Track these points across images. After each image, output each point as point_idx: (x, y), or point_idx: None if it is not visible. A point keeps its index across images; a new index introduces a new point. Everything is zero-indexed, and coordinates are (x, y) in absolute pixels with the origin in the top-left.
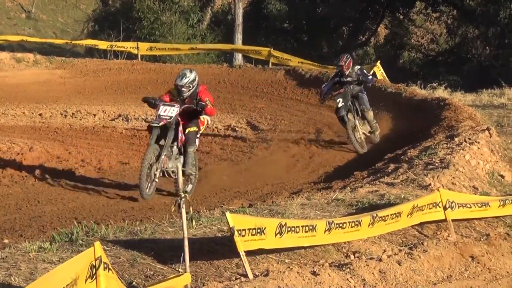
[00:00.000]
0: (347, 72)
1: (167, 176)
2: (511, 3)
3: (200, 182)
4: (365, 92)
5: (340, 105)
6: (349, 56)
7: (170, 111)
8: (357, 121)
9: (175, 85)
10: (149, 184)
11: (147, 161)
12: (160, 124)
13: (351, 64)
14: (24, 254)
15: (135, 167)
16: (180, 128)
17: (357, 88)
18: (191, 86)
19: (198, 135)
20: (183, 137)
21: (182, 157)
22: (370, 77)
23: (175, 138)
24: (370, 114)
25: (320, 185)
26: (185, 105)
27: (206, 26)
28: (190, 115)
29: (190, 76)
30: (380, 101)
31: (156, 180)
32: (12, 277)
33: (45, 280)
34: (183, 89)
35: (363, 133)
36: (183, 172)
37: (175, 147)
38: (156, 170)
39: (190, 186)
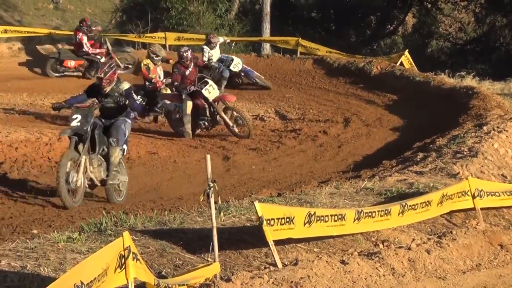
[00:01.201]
0: (107, 89)
1: None
2: None
3: (229, 171)
4: (130, 121)
5: (73, 124)
6: (113, 65)
7: None
8: (84, 158)
9: None
10: None
11: None
12: None
13: (114, 78)
14: (53, 244)
15: (164, 157)
16: None
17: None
18: None
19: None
20: None
21: None
22: (138, 103)
23: None
24: (116, 154)
25: (348, 174)
26: None
27: (234, 16)
28: None
29: None
30: (408, 90)
31: None
32: (42, 267)
33: (76, 271)
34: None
35: (92, 180)
36: None
37: None
38: None
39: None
